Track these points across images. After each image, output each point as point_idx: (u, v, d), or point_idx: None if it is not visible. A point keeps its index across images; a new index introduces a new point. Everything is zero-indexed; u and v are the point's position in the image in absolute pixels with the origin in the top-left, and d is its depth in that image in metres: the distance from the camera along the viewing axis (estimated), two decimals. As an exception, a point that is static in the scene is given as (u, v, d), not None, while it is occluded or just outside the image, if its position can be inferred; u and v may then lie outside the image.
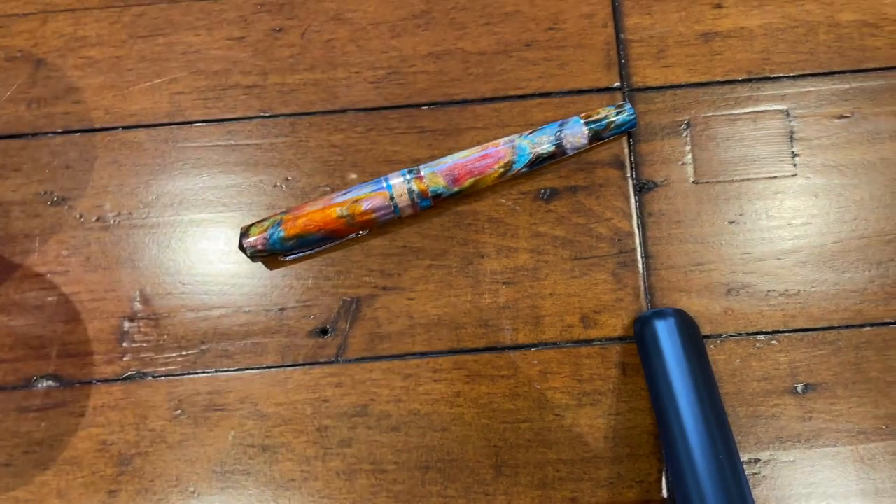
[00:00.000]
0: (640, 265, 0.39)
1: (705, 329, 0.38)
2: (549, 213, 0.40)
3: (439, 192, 0.38)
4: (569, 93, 0.41)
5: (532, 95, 0.41)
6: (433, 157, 0.40)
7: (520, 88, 0.41)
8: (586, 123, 0.39)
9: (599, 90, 0.41)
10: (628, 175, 0.40)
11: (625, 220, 0.39)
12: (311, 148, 0.41)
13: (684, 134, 0.40)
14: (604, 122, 0.39)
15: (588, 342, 0.39)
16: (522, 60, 0.41)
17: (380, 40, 0.42)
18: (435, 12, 0.42)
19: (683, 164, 0.40)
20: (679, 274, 0.39)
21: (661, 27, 0.41)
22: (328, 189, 0.40)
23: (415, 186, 0.38)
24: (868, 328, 0.38)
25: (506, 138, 0.39)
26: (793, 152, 0.40)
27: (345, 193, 0.38)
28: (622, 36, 0.41)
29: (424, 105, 0.41)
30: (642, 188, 0.40)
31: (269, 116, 0.41)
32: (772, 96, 0.40)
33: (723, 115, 0.40)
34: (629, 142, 0.40)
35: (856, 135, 0.40)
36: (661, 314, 0.37)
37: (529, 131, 0.39)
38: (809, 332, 0.38)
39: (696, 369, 0.35)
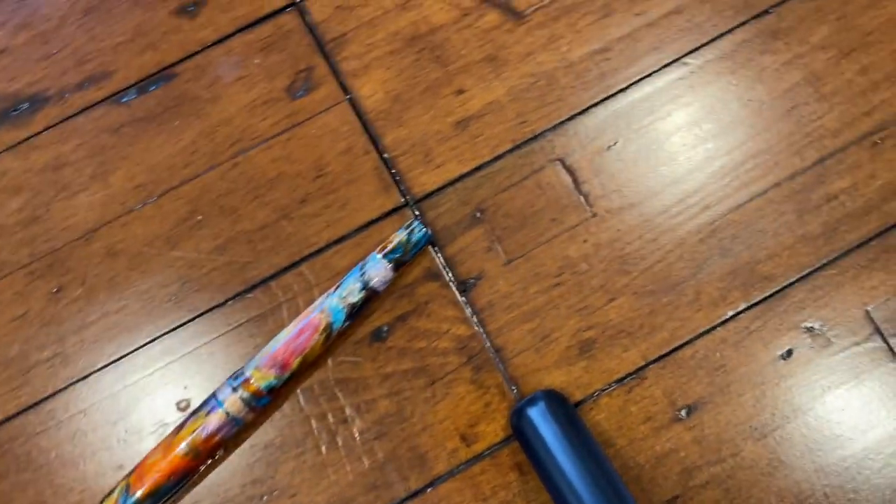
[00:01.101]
0: (493, 362, 0.39)
1: (576, 395, 0.38)
2: (389, 352, 0.39)
3: (272, 385, 0.37)
4: (360, 229, 0.41)
5: (326, 247, 0.40)
6: (259, 346, 0.39)
7: (312, 245, 0.41)
8: (384, 257, 0.38)
9: (388, 214, 0.41)
10: (448, 282, 0.40)
11: (462, 326, 0.39)
12: (136, 391, 0.39)
13: (481, 222, 0.41)
14: (400, 248, 0.39)
15: (477, 458, 0.38)
16: (304, 217, 0.41)
17: (160, 257, 0.41)
18: (202, 208, 0.41)
19: (491, 250, 0.40)
20: (531, 355, 0.39)
21: (418, 133, 0.42)
22: (167, 423, 0.38)
23: (246, 392, 0.37)
24: (718, 329, 0.39)
25: (314, 304, 0.38)
26: (583, 195, 0.41)
27: (179, 428, 0.37)
28: (386, 156, 0.41)
29: (229, 300, 0.40)
30: (465, 288, 0.40)
31: (81, 379, 0.39)
32: (542, 153, 0.41)
33: (507, 189, 0.41)
34: (435, 251, 0.40)
35: (629, 157, 0.41)
36: (530, 402, 0.37)
37: (334, 287, 0.39)
38: (668, 356, 0.39)
39: (578, 444, 0.35)
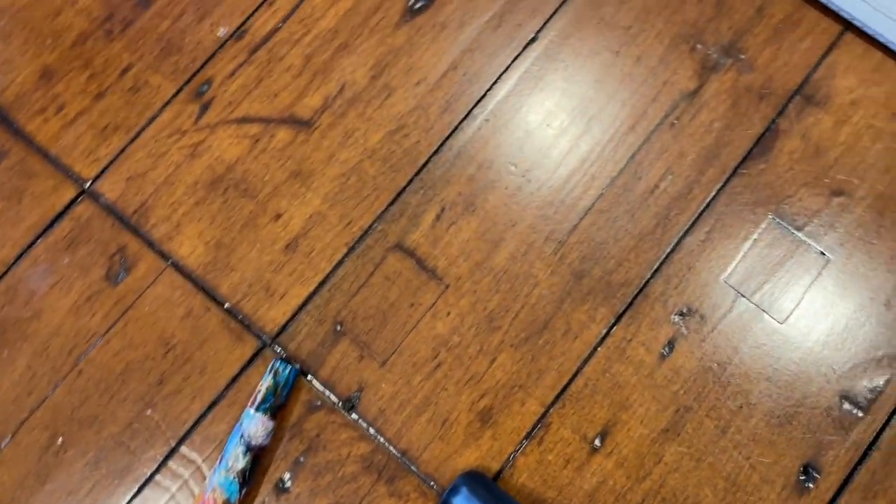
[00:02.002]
0: (404, 468, 0.38)
1: (493, 466, 0.38)
2: (298, 499, 0.38)
3: (190, 586, 0.35)
4: (228, 387, 0.39)
5: (200, 419, 0.39)
6: (167, 546, 0.37)
7: (184, 422, 0.39)
8: (258, 409, 0.37)
9: (249, 361, 0.40)
10: (332, 406, 0.39)
11: (361, 444, 0.38)
12: None
13: (343, 334, 0.40)
14: (270, 394, 0.38)
15: (422, 568, 0.37)
16: (167, 398, 0.39)
17: (35, 497, 0.38)
18: (60, 429, 0.39)
19: (363, 357, 0.39)
20: (438, 444, 0.38)
21: (251, 271, 0.41)
22: None
23: None
24: (598, 350, 0.39)
25: (204, 484, 0.37)
26: (430, 270, 0.41)
27: None
28: (227, 305, 0.40)
29: (120, 513, 0.38)
30: (351, 405, 0.39)
31: None
32: (378, 245, 0.41)
33: (357, 293, 0.40)
34: (309, 380, 0.39)
35: (460, 219, 0.41)
36: (452, 492, 0.36)
37: (218, 460, 0.37)
38: (564, 394, 0.39)
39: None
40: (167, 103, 0.43)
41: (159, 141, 0.42)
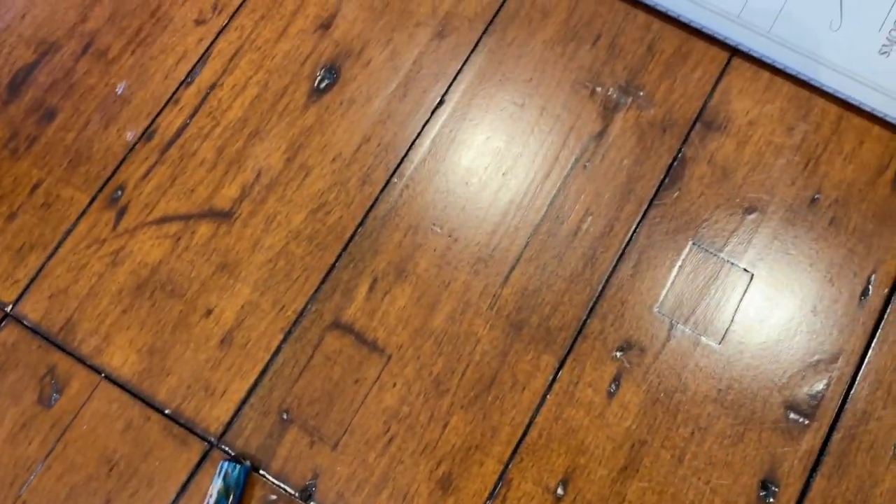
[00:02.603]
0: (370, 548, 0.37)
1: (461, 533, 0.38)
2: None
3: None
4: (178, 496, 0.38)
5: (153, 534, 0.38)
6: None
7: (138, 540, 0.38)
8: (211, 515, 0.36)
9: (198, 465, 0.38)
10: (290, 497, 0.38)
11: (324, 531, 0.38)
12: None
13: (291, 422, 0.39)
14: (223, 498, 0.36)
15: None
16: (117, 517, 0.38)
17: None
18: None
19: (314, 443, 0.39)
20: (401, 520, 0.38)
21: (188, 372, 0.40)
22: None
23: None
24: (548, 398, 0.39)
25: None
26: (370, 343, 0.40)
27: None
28: (168, 411, 0.39)
29: None
30: (308, 494, 0.38)
31: None
32: (315, 326, 0.41)
33: (299, 378, 0.40)
34: (262, 475, 0.38)
35: (394, 288, 0.41)
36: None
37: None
38: (520, 448, 0.39)
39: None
40: (82, 214, 0.42)
41: (78, 253, 0.42)
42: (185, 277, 0.41)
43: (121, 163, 0.43)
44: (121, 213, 0.42)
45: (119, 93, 0.44)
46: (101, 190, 0.43)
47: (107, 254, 0.42)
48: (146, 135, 0.43)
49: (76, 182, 0.43)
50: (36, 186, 0.43)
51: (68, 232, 0.42)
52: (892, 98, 0.41)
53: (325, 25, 0.45)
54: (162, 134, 0.43)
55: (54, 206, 0.42)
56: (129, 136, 0.43)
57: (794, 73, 0.42)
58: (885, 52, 0.42)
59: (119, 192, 0.42)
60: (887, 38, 0.42)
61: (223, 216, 0.42)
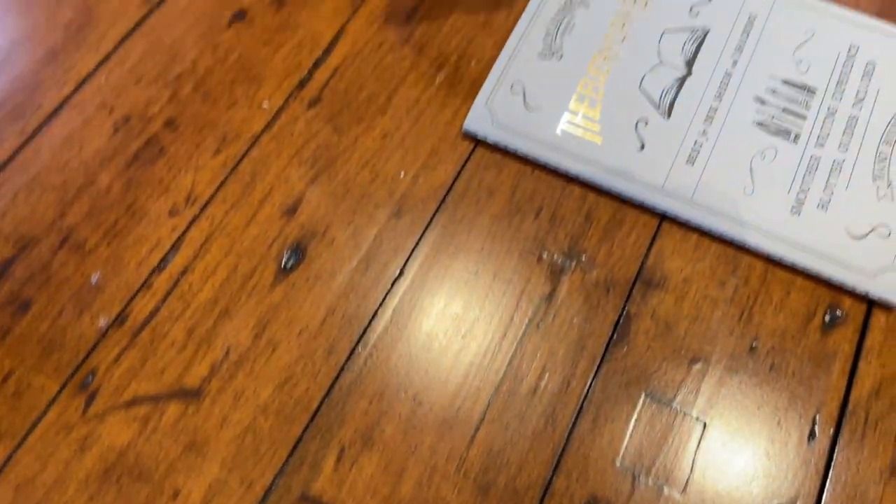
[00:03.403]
0: None
1: None
2: None
3: None
4: None
5: None
6: None
7: None
8: None
9: None
10: None
11: None
12: None
13: None
14: None
15: None
16: None
17: None
18: None
19: None
20: None
21: (154, 559, 0.39)
22: None
23: None
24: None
25: None
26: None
27: None
28: None
29: None
30: None
31: None
32: (283, 500, 0.41)
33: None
34: None
35: (361, 456, 0.42)
36: None
37: None
38: None
39: None
40: (52, 402, 0.43)
41: (46, 441, 0.42)
42: (152, 460, 0.42)
43: (92, 349, 0.44)
44: (91, 398, 0.43)
45: (93, 282, 0.46)
46: (71, 377, 0.44)
47: (75, 440, 0.42)
48: (118, 320, 0.45)
49: (48, 370, 0.44)
50: (8, 376, 0.44)
51: (38, 420, 0.42)
52: (808, 252, 0.46)
53: (291, 210, 0.49)
54: (134, 318, 0.45)
55: (25, 394, 0.43)
56: (102, 322, 0.45)
57: (718, 234, 0.47)
58: (796, 212, 0.47)
59: (90, 378, 0.44)
60: (796, 199, 0.47)
61: (192, 395, 0.43)
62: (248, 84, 0.53)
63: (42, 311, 0.45)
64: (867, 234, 0.46)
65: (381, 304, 0.46)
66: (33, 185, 0.49)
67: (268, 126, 0.52)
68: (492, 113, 0.51)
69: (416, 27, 0.55)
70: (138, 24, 0.56)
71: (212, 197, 0.49)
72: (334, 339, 0.45)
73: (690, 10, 0.54)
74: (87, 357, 0.44)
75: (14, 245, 0.47)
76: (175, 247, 0.47)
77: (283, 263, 0.47)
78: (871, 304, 0.46)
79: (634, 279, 0.47)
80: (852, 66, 0.51)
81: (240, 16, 0.56)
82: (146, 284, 0.46)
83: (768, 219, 0.47)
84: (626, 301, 0.46)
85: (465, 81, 0.53)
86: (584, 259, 0.47)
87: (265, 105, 0.52)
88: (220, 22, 0.56)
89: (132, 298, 0.46)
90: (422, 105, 0.53)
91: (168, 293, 0.46)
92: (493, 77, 0.52)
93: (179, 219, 0.48)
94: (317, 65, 0.54)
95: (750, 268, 0.47)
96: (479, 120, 0.51)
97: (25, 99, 0.53)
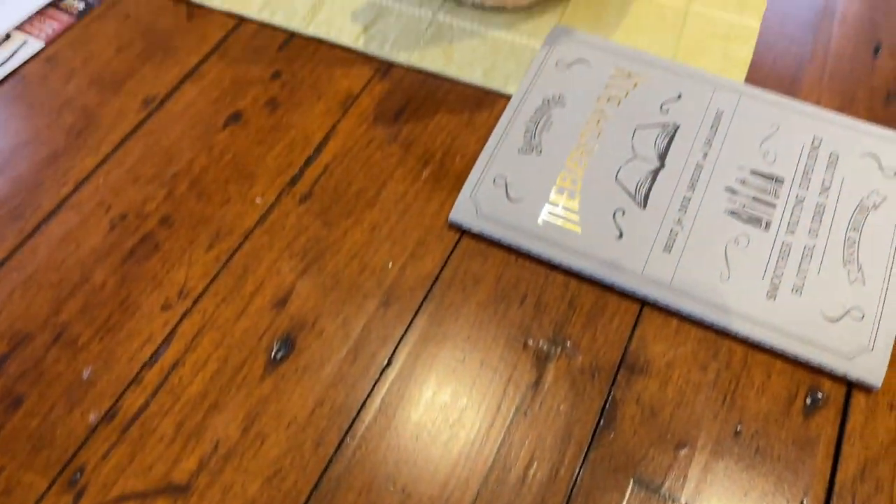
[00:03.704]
0: None
1: None
2: None
3: None
4: None
5: None
6: None
7: None
8: None
9: None
10: None
11: None
12: None
13: None
14: None
15: None
16: None
17: None
18: None
19: None
20: None
21: None
22: None
23: None
24: None
25: None
26: None
27: None
28: None
29: None
30: None
31: None
32: None
33: None
34: None
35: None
36: None
37: None
38: None
39: None
40: (40, 500, 0.43)
41: (31, 541, 0.41)
42: (138, 558, 0.41)
43: (81, 445, 0.44)
44: (78, 496, 0.43)
45: (85, 377, 0.47)
46: (60, 473, 0.43)
47: (60, 539, 0.42)
48: (108, 415, 0.45)
49: (37, 467, 0.44)
50: (-5, 474, 0.44)
51: (23, 519, 0.42)
52: (786, 335, 0.47)
53: (282, 302, 0.50)
54: (124, 414, 0.46)
55: (15, 491, 0.43)
56: (92, 418, 0.45)
57: (698, 318, 0.48)
58: (772, 296, 0.48)
59: (78, 475, 0.43)
60: (771, 283, 0.49)
61: (180, 490, 0.43)
62: (242, 181, 0.55)
63: (33, 408, 0.46)
64: (842, 317, 0.47)
65: (369, 395, 0.47)
66: (30, 282, 0.51)
67: (260, 221, 0.53)
68: (476, 205, 0.53)
69: (403, 126, 0.58)
70: (137, 127, 0.58)
71: (204, 290, 0.50)
72: (323, 430, 0.46)
73: (661, 107, 0.57)
74: (75, 453, 0.44)
75: (8, 342, 0.48)
76: (166, 341, 0.48)
77: (272, 355, 0.48)
78: (850, 386, 0.47)
79: (619, 365, 0.47)
80: (817, 157, 0.54)
81: (235, 118, 0.59)
82: (137, 379, 0.47)
83: (745, 303, 0.48)
84: (612, 387, 0.47)
85: (450, 176, 0.56)
86: (568, 345, 0.48)
87: (258, 201, 0.54)
88: (216, 124, 0.58)
89: (122, 393, 0.46)
90: (409, 198, 0.55)
91: (158, 387, 0.47)
92: (476, 171, 0.55)
93: (171, 313, 0.49)
94: (308, 162, 0.56)
95: (730, 351, 0.48)
96: (464, 211, 0.53)
97: (26, 199, 0.54)
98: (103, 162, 0.57)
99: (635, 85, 0.58)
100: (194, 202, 0.54)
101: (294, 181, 0.55)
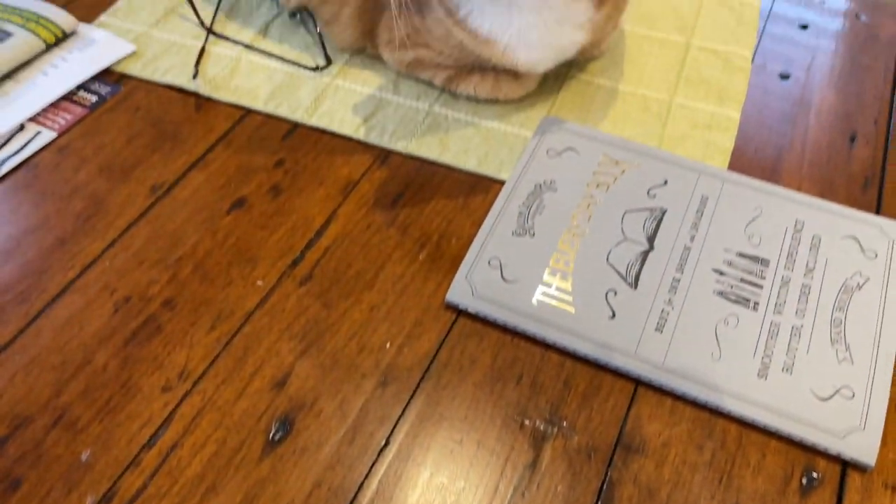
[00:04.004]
0: None
1: None
2: None
3: None
4: None
5: None
6: None
7: None
8: None
9: None
10: None
11: None
12: None
13: None
14: None
15: None
16: None
17: None
18: None
19: None
20: None
21: None
22: None
23: None
24: None
25: None
26: None
27: None
28: None
29: None
30: None
31: None
32: None
33: None
34: None
35: None
36: None
37: None
38: None
39: None
40: (30, 587, 0.42)
41: None
42: None
43: (77, 529, 0.44)
44: (71, 582, 0.42)
45: (83, 460, 0.47)
46: (53, 559, 0.43)
47: None
48: (105, 498, 0.45)
49: (30, 553, 0.43)
50: (-13, 561, 0.43)
51: None
52: (779, 414, 0.48)
53: (281, 383, 0.51)
54: (121, 497, 0.45)
55: (4, 580, 0.42)
56: (89, 501, 0.45)
57: (691, 398, 0.49)
58: (763, 375, 0.49)
59: (72, 560, 0.43)
60: (761, 363, 0.50)
61: (175, 576, 0.43)
62: (244, 265, 0.57)
63: (32, 490, 0.46)
64: (832, 396, 0.48)
65: (367, 476, 0.47)
66: (32, 365, 0.51)
67: (261, 303, 0.55)
68: (472, 286, 0.54)
69: (401, 210, 0.60)
70: (144, 213, 0.60)
71: (204, 372, 0.51)
72: (320, 513, 0.45)
73: (648, 192, 0.59)
74: (70, 538, 0.44)
75: (9, 425, 0.48)
76: (166, 423, 0.49)
77: (271, 436, 0.48)
78: (845, 465, 0.47)
79: (615, 444, 0.48)
80: (800, 240, 0.56)
81: (240, 203, 0.61)
82: (135, 461, 0.47)
83: (737, 383, 0.49)
84: (608, 467, 0.47)
85: (446, 257, 0.57)
86: (565, 425, 0.49)
87: (259, 283, 0.56)
88: (220, 209, 0.61)
89: (120, 476, 0.46)
90: (406, 280, 0.56)
91: (156, 470, 0.47)
92: (472, 253, 0.56)
93: (172, 395, 0.50)
94: (309, 245, 0.58)
95: (725, 431, 0.48)
96: (460, 292, 0.54)
97: (32, 283, 0.56)
98: (110, 246, 0.58)
99: (623, 171, 0.61)
100: (197, 285, 0.56)
101: (295, 264, 0.57)
